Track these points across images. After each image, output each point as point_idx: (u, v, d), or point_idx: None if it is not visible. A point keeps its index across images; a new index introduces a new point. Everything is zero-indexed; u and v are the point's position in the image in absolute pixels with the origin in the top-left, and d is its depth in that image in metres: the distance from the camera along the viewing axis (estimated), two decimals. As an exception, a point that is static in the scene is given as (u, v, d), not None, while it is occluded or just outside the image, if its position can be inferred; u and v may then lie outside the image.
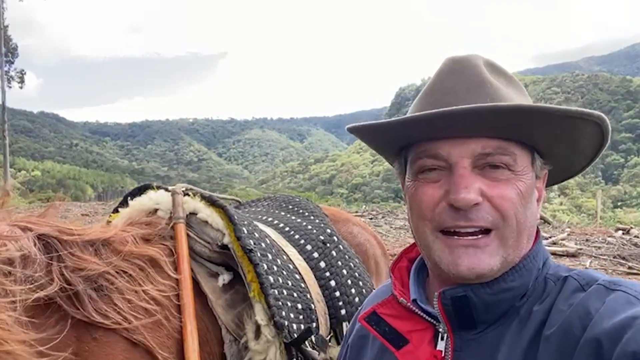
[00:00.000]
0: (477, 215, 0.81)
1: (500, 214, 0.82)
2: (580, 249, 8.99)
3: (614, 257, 8.28)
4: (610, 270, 7.32)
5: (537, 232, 0.91)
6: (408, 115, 0.86)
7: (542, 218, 14.74)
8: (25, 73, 34.27)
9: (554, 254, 8.25)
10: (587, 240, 10.38)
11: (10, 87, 32.47)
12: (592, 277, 0.81)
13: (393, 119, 0.86)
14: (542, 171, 0.91)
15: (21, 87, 34.38)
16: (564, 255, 8.28)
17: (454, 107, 0.79)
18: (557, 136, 0.84)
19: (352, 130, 0.94)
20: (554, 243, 9.74)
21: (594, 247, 9.46)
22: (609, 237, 10.64)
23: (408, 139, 0.90)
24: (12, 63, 33.98)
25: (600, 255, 8.45)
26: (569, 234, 11.19)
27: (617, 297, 0.74)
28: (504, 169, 0.83)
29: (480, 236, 0.82)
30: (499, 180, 0.83)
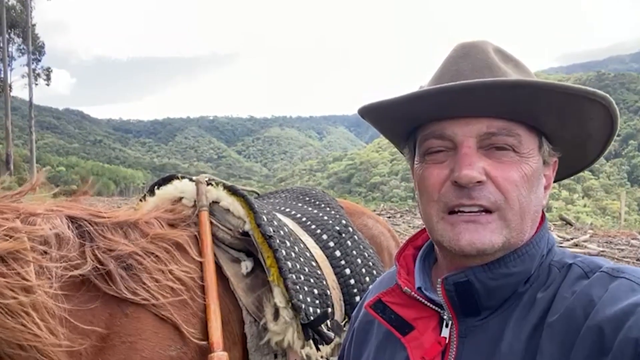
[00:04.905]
0: (479, 194, 0.82)
1: (503, 195, 0.82)
2: (603, 251, 8.83)
3: (637, 260, 8.12)
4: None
5: (543, 218, 0.91)
6: (412, 92, 0.86)
7: (564, 219, 14.49)
8: (51, 71, 35.11)
9: (575, 255, 8.10)
10: (609, 242, 10.19)
11: (36, 84, 33.32)
12: (596, 264, 0.81)
13: (399, 95, 0.87)
14: (551, 158, 0.90)
15: (48, 84, 35.23)
16: (585, 257, 8.13)
17: (454, 83, 0.81)
18: (561, 117, 0.84)
19: (362, 112, 0.96)
20: (576, 245, 9.59)
21: (617, 249, 9.28)
22: (632, 239, 10.42)
23: (416, 120, 0.91)
24: (39, 61, 34.88)
25: (623, 257, 8.29)
26: (591, 236, 11.01)
27: (620, 284, 0.75)
28: (509, 151, 0.84)
29: (482, 213, 0.83)
30: (504, 162, 0.83)
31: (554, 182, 0.99)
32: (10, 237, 1.07)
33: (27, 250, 1.08)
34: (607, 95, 0.80)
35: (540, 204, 0.88)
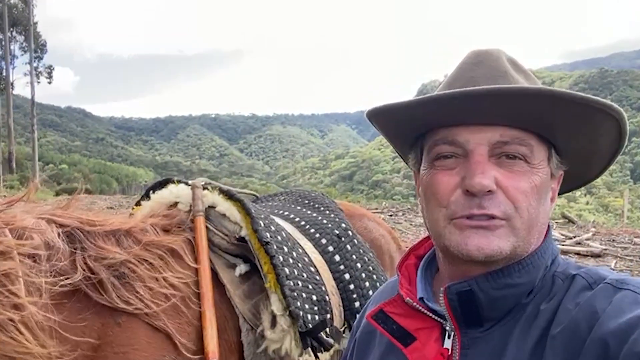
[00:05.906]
0: (490, 204, 0.81)
1: (513, 205, 0.81)
2: (606, 249, 8.78)
3: (640, 258, 8.08)
4: (636, 272, 7.15)
5: (548, 229, 0.90)
6: (428, 95, 0.85)
7: (566, 217, 14.45)
8: (53, 69, 35.20)
9: (577, 254, 8.09)
10: (612, 240, 10.14)
11: (38, 82, 33.42)
12: (600, 275, 0.81)
13: (413, 98, 0.86)
14: (558, 171, 0.89)
15: (50, 82, 35.32)
16: (588, 256, 8.10)
17: (476, 87, 0.80)
18: (575, 129, 0.83)
19: (370, 114, 0.94)
20: (578, 243, 9.55)
21: (620, 247, 9.22)
22: (635, 237, 10.36)
23: (425, 125, 0.90)
24: (41, 59, 34.96)
25: (626, 256, 8.24)
26: (594, 234, 10.95)
27: (624, 296, 0.74)
28: (521, 161, 0.83)
29: (491, 219, 0.82)
30: (515, 172, 0.83)
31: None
32: (2, 253, 1.05)
33: (17, 266, 1.06)
34: (622, 110, 0.80)
35: (546, 216, 0.88)
